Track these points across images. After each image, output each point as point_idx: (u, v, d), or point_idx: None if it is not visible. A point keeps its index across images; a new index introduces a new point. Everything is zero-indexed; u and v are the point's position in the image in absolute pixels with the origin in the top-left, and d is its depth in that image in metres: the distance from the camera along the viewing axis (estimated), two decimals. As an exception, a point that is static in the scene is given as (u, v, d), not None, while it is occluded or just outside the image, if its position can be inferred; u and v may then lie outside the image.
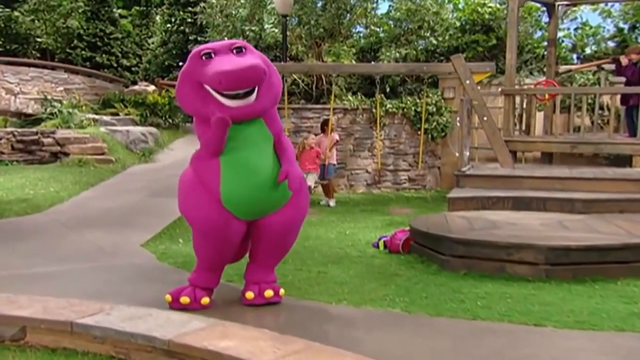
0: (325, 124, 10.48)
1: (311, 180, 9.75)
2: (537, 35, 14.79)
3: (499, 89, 11.10)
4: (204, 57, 3.96)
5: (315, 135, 10.56)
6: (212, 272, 4.51)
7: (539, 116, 11.66)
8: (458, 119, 9.54)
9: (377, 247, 6.62)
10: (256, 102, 3.98)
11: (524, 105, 11.17)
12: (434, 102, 11.74)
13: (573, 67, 13.90)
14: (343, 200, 10.65)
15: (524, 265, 5.28)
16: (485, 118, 9.00)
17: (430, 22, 13.60)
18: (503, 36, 13.20)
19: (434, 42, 13.56)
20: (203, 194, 4.16)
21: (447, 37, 13.67)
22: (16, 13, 20.54)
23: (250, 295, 4.48)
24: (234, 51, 3.99)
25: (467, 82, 9.01)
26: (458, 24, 13.96)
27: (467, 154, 9.08)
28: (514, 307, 4.51)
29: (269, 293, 4.49)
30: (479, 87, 9.71)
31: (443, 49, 13.83)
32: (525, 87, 12.03)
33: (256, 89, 3.95)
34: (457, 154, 9.64)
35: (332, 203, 10.03)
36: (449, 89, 11.98)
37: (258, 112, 4.05)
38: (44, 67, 17.99)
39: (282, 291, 4.59)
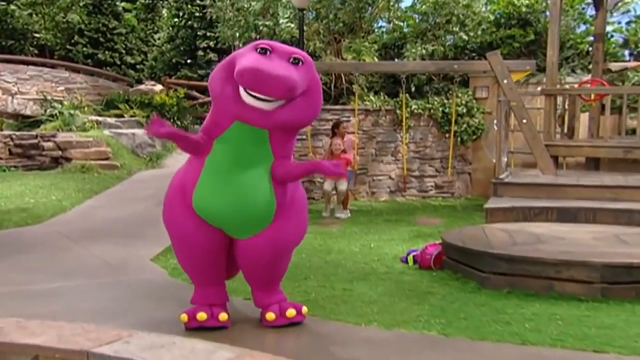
0: (336, 126, 10.36)
1: (343, 185, 9.72)
2: (580, 30, 14.58)
3: (538, 89, 10.98)
4: (258, 51, 3.92)
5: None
6: (209, 287, 4.46)
7: (583, 118, 11.49)
8: (495, 121, 9.43)
9: (406, 262, 6.55)
10: (274, 112, 3.87)
11: (566, 106, 11.02)
12: (464, 102, 11.67)
13: (629, 64, 13.64)
14: (365, 209, 10.60)
15: (575, 284, 5.19)
16: (524, 120, 8.88)
17: (460, 16, 13.47)
18: (542, 31, 13.07)
19: (465, 37, 13.44)
20: (179, 196, 4.19)
21: (479, 32, 13.57)
22: (12, 7, 20.59)
23: (271, 316, 4.43)
24: (291, 60, 3.94)
25: (505, 81, 8.90)
26: (492, 17, 13.80)
27: (505, 159, 8.98)
28: (566, 331, 4.40)
29: (291, 312, 4.43)
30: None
31: (474, 45, 13.72)
32: (567, 86, 11.87)
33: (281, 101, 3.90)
34: (493, 160, 9.53)
35: (344, 215, 9.88)
36: (482, 89, 11.90)
37: (271, 123, 3.93)
38: (43, 65, 18.04)
39: (304, 309, 4.53)
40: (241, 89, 3.84)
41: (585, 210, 7.39)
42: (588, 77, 11.97)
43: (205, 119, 4.22)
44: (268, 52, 3.89)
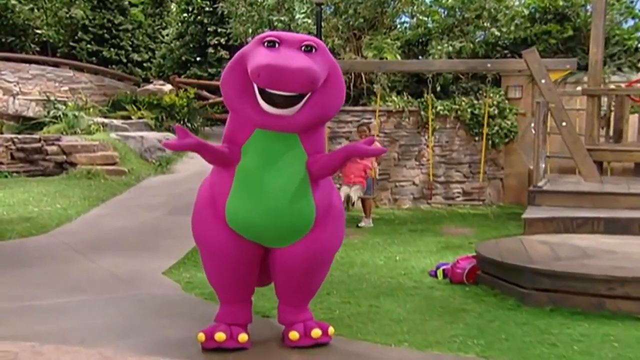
0: (362, 129, 10.31)
1: (355, 193, 9.67)
2: (627, 25, 14.35)
3: (577, 88, 10.87)
4: (265, 45, 3.86)
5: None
6: (236, 304, 4.41)
7: (632, 120, 11.29)
8: (533, 124, 9.34)
9: (435, 276, 6.51)
10: (297, 116, 3.85)
11: (612, 107, 10.86)
12: (495, 102, 11.60)
13: None
14: (387, 218, 10.56)
15: (631, 302, 5.09)
16: (564, 123, 8.78)
17: (491, 11, 13.38)
18: (582, 26, 12.94)
19: (496, 33, 13.33)
20: (210, 209, 4.14)
21: (512, 28, 13.44)
22: (12, 1, 20.64)
23: (294, 335, 4.38)
24: (303, 49, 3.87)
25: (543, 81, 8.81)
26: (526, 12, 13.67)
27: (543, 165, 8.89)
28: (624, 354, 4.30)
29: (316, 333, 4.38)
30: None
31: (507, 41, 13.62)
32: (612, 85, 11.68)
33: (304, 99, 3.87)
34: (530, 166, 9.45)
35: (365, 223, 9.84)
36: (515, 88, 11.83)
37: (296, 127, 3.92)
38: (45, 63, 18.11)
39: (331, 330, 4.48)
40: (259, 98, 3.80)
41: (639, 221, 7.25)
42: (638, 76, 11.80)
43: (226, 126, 4.19)
44: (277, 44, 3.84)
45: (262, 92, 3.78)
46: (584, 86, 10.30)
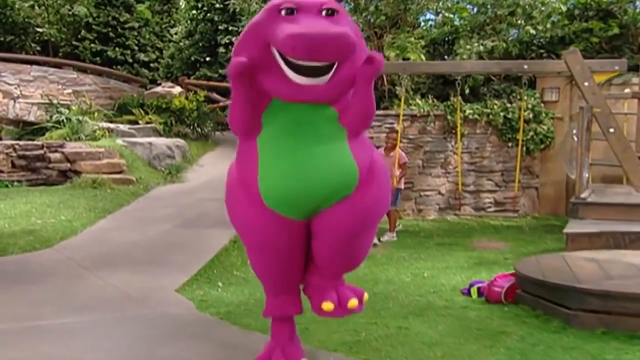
0: (392, 136, 10.28)
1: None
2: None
3: (625, 90, 10.78)
4: (282, 13, 3.73)
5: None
6: (285, 294, 4.31)
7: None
8: (575, 130, 9.25)
9: (468, 294, 6.48)
10: (329, 85, 3.73)
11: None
12: (530, 106, 11.53)
13: None
14: (412, 230, 10.53)
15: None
16: (611, 130, 8.67)
17: (526, 7, 13.31)
18: (629, 23, 12.85)
19: (531, 31, 13.25)
20: (242, 192, 4.00)
21: (548, 26, 13.36)
22: (12, -2, 20.80)
23: (328, 306, 4.14)
24: (323, 13, 3.75)
25: (586, 84, 8.71)
26: (564, 8, 13.56)
27: (587, 175, 8.83)
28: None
29: (352, 303, 4.17)
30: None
31: (543, 40, 13.59)
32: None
33: (334, 67, 3.72)
34: (572, 175, 9.36)
35: (388, 237, 9.80)
36: (551, 90, 11.80)
37: (329, 97, 3.82)
38: (47, 63, 18.18)
39: (366, 297, 4.27)
40: (287, 69, 3.66)
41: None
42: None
43: (232, 104, 4.01)
44: (295, 12, 3.72)
45: (288, 63, 3.67)
46: (634, 88, 10.17)
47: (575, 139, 9.02)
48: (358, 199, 3.95)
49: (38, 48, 21.26)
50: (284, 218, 3.93)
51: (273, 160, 3.84)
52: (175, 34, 23.09)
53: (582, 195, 8.48)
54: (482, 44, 13.07)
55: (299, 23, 3.61)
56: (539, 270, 6.05)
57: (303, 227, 4.04)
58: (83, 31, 21.07)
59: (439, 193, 12.12)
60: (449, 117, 11.86)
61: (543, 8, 13.39)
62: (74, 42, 21.15)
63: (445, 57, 14.39)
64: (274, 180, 3.84)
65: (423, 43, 13.86)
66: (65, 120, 14.66)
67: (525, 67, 10.27)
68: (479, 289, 6.38)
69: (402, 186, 10.37)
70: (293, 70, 3.65)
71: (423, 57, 13.31)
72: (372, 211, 4.08)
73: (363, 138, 4.10)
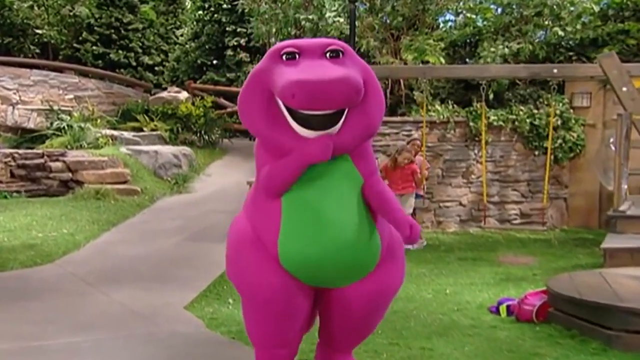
0: (416, 144, 10.29)
1: (410, 204, 9.64)
2: None
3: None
4: (284, 57, 3.71)
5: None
6: (278, 349, 4.25)
7: None
8: (612, 139, 9.20)
9: (497, 312, 6.44)
10: (339, 135, 3.67)
11: None
12: (558, 112, 11.49)
13: None
14: (431, 244, 10.49)
15: None
16: (653, 138, 8.63)
17: (553, 8, 13.28)
18: None
19: (560, 33, 13.21)
20: (256, 251, 3.94)
21: (578, 27, 13.33)
22: (10, -2, 20.85)
23: None
24: (327, 55, 3.74)
25: (625, 89, 8.65)
26: (596, 8, 13.51)
27: (625, 186, 8.77)
28: None
29: None
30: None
31: (573, 42, 13.56)
32: None
33: (344, 114, 3.69)
34: (609, 187, 9.29)
35: (418, 244, 9.74)
36: (581, 96, 11.76)
37: (342, 149, 3.75)
38: (47, 67, 18.24)
39: None
40: (291, 121, 3.63)
41: None
42: None
43: (256, 155, 4.00)
44: (297, 56, 3.70)
45: (293, 114, 3.62)
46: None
47: (613, 147, 8.96)
48: (381, 275, 3.98)
49: (37, 51, 21.34)
50: (299, 282, 3.93)
51: (298, 222, 3.80)
52: (181, 35, 23.20)
53: (621, 208, 8.41)
54: (507, 46, 13.05)
55: (299, 68, 3.56)
56: (574, 288, 6.01)
57: (313, 293, 4.07)
58: (84, 33, 21.18)
59: (460, 204, 12.08)
60: (471, 123, 11.83)
61: (572, 8, 13.37)
62: (74, 45, 21.26)
63: (467, 60, 14.38)
64: (296, 243, 3.80)
65: (442, 45, 13.88)
66: (66, 128, 14.65)
67: (555, 71, 10.23)
68: (508, 307, 6.34)
69: (422, 192, 10.39)
70: (298, 123, 3.61)
71: (442, 60, 13.32)
72: (391, 289, 4.13)
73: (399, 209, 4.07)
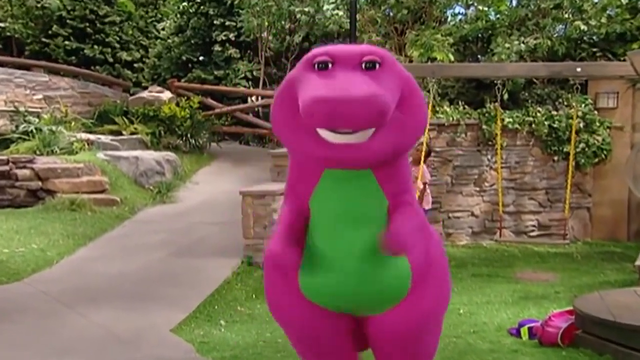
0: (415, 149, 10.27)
1: None
2: None
3: None
4: (317, 67, 3.70)
5: None
6: None
7: None
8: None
9: (517, 335, 6.43)
10: (371, 142, 3.58)
11: None
12: (581, 114, 11.49)
13: None
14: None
15: None
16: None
17: (575, 0, 13.31)
18: None
19: (582, 27, 13.19)
20: (279, 278, 3.98)
21: (603, 20, 13.31)
22: (-31, -12, 20.81)
23: None
24: (364, 66, 3.68)
25: (659, 89, 8.66)
26: (624, 0, 13.54)
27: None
28: None
29: None
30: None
31: (596, 36, 13.59)
32: None
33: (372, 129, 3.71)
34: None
35: None
36: (607, 96, 11.75)
37: (372, 158, 3.68)
38: (12, 64, 18.00)
39: None
40: (320, 129, 3.64)
41: None
42: None
43: (288, 175, 4.02)
44: (330, 65, 3.67)
45: None
46: None
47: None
48: (413, 303, 3.93)
49: (0, 46, 21.26)
50: (328, 312, 3.95)
51: (315, 249, 3.83)
52: (163, 29, 23.12)
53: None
54: (523, 42, 13.05)
55: (325, 82, 3.54)
56: (606, 309, 5.99)
57: (350, 320, 4.06)
58: (55, 26, 21.01)
59: (472, 214, 12.05)
60: (484, 126, 11.81)
61: (596, 0, 13.37)
62: (43, 39, 21.08)
63: (479, 57, 14.39)
64: (313, 273, 3.85)
65: (451, 41, 13.87)
66: (34, 131, 14.44)
67: (579, 70, 10.04)
68: (530, 329, 6.34)
69: (429, 206, 10.34)
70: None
71: (452, 56, 13.32)
72: (431, 314, 4.07)
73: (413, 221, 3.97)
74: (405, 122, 3.69)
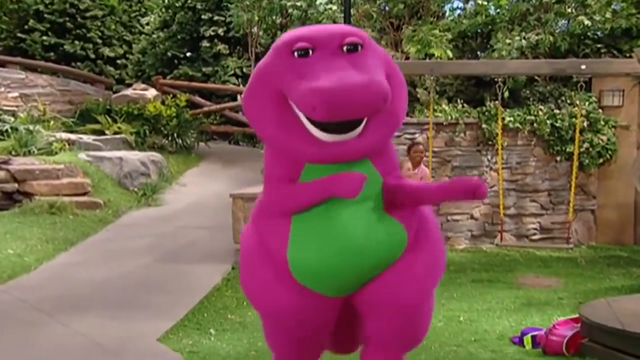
0: (419, 149, 10.28)
1: None
2: None
3: None
4: (296, 55, 3.63)
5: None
6: None
7: None
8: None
9: (520, 343, 6.45)
10: (362, 138, 3.64)
11: None
12: (585, 112, 11.51)
13: None
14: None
15: None
16: None
17: (579, -7, 13.39)
18: None
19: (586, 22, 13.25)
20: (267, 266, 3.96)
21: (607, 15, 13.38)
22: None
23: None
24: (345, 49, 3.66)
25: (669, 88, 8.69)
26: (630, -6, 13.62)
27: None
28: None
29: None
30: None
31: (601, 32, 13.63)
32: None
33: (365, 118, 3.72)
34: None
35: None
36: (612, 93, 11.76)
37: (363, 151, 3.75)
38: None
39: None
40: (310, 126, 3.58)
41: None
42: None
43: (265, 162, 4.00)
44: (311, 52, 3.63)
45: (310, 120, 3.59)
46: None
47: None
48: (407, 265, 3.92)
49: (-28, 42, 21.22)
50: (317, 295, 3.92)
51: (307, 230, 3.81)
52: (147, 24, 23.17)
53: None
54: (524, 38, 13.09)
55: (316, 71, 3.51)
56: (614, 316, 6.00)
57: (338, 304, 4.03)
58: (32, 21, 21.00)
59: (472, 217, 12.05)
60: (484, 125, 11.80)
61: (602, -6, 13.45)
62: (19, 34, 21.06)
63: (478, 53, 14.43)
64: (306, 252, 3.80)
65: (450, 36, 13.94)
66: (10, 130, 14.36)
67: (583, 67, 10.07)
68: (533, 337, 6.35)
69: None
70: (317, 127, 3.58)
71: (450, 53, 13.35)
72: (426, 277, 4.05)
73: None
74: (394, 105, 3.69)
